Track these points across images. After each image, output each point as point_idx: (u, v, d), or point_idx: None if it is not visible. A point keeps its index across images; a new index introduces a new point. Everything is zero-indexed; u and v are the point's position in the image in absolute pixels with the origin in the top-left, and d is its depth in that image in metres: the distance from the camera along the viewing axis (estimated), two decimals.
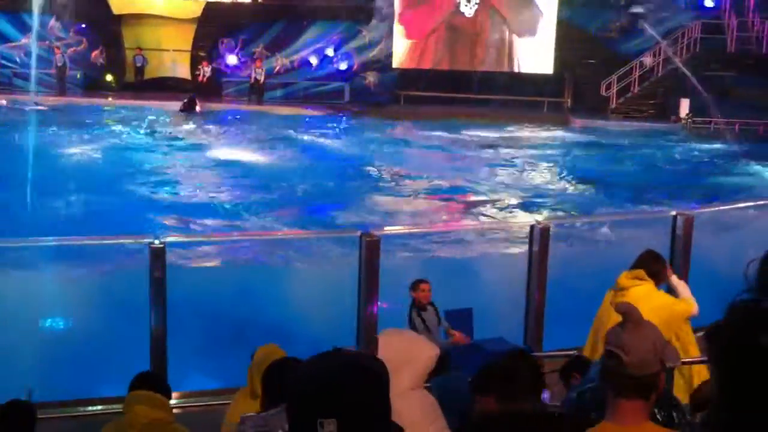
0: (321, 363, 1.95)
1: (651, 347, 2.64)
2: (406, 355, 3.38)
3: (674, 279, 6.23)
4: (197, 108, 27.52)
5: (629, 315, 2.72)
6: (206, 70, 30.60)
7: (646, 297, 5.66)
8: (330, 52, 30.87)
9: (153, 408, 4.32)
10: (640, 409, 2.61)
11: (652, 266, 5.86)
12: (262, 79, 30.09)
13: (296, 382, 1.94)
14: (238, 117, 27.45)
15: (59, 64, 30.17)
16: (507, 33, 30.19)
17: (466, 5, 30.21)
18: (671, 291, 6.23)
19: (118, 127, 25.05)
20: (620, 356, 2.60)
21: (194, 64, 31.15)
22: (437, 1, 30.55)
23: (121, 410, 4.50)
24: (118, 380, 5.02)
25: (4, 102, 27.53)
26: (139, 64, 31.20)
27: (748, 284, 1.73)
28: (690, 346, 5.89)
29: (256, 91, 30.07)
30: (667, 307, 5.73)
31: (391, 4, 30.46)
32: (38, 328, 8.91)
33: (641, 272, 5.78)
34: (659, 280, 5.94)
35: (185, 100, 27.62)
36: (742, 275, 1.77)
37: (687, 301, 5.90)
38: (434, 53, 30.66)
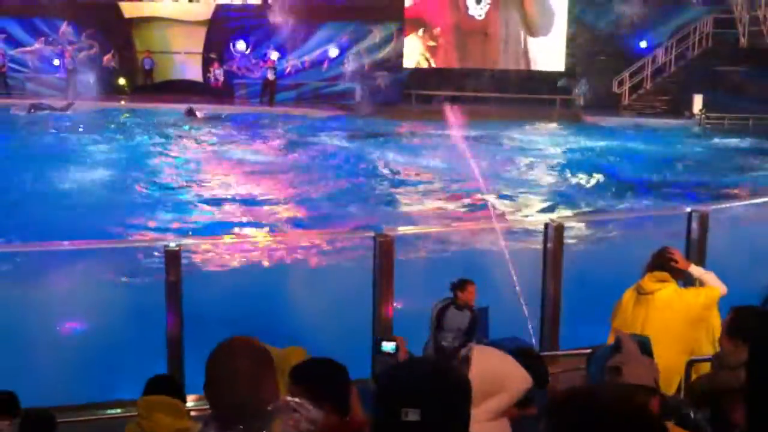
0: (408, 366, 2.22)
1: (645, 364, 3.20)
2: (501, 383, 3.11)
3: (694, 269, 6.07)
4: (197, 114, 27.49)
5: (626, 342, 3.30)
6: (218, 73, 30.68)
7: (672, 300, 5.61)
8: (340, 52, 30.91)
9: (175, 417, 4.25)
10: None
11: (671, 263, 5.79)
12: (273, 78, 30.13)
13: (384, 381, 2.13)
14: (250, 119, 27.49)
15: (70, 68, 30.32)
16: (519, 32, 30.13)
17: (476, 7, 30.16)
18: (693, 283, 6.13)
19: (130, 131, 25.15)
20: (620, 368, 3.13)
21: (205, 66, 31.24)
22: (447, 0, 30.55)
23: (136, 413, 4.48)
24: (137, 383, 5.03)
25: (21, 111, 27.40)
26: (147, 67, 31.28)
27: None
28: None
29: (268, 92, 30.10)
30: (694, 304, 5.66)
31: (402, 4, 30.45)
32: (53, 332, 8.95)
33: (665, 275, 5.70)
34: (680, 275, 5.87)
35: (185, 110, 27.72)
36: None
37: (710, 288, 5.77)
38: (445, 52, 30.64)
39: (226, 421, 2.66)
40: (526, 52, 30.21)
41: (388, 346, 3.90)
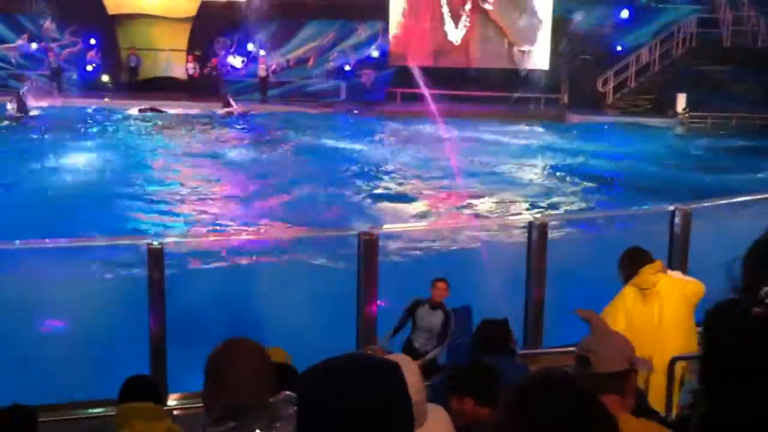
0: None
1: (617, 347, 3.03)
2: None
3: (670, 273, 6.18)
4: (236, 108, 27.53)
5: (593, 320, 3.19)
6: (193, 65, 30.43)
7: (672, 284, 5.71)
8: (325, 50, 30.86)
9: (152, 421, 4.22)
10: (617, 401, 2.86)
11: (645, 261, 5.84)
12: (265, 75, 30.07)
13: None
14: (234, 116, 27.40)
15: (53, 66, 30.11)
16: (503, 39, 30.16)
17: (454, 31, 30.19)
18: None
19: (112, 129, 25.06)
20: (588, 357, 2.97)
21: (190, 63, 31.08)
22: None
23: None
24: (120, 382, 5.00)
25: (45, 104, 27.14)
26: (132, 64, 31.06)
27: (733, 284, 1.72)
28: None
29: (260, 88, 30.07)
30: (692, 291, 5.74)
31: (387, 2, 30.40)
32: (37, 330, 8.90)
33: (658, 263, 5.79)
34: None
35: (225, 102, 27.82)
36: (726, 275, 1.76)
37: (698, 283, 5.86)
38: (430, 51, 30.60)
39: (239, 418, 2.59)
40: (510, 52, 30.24)
41: None
